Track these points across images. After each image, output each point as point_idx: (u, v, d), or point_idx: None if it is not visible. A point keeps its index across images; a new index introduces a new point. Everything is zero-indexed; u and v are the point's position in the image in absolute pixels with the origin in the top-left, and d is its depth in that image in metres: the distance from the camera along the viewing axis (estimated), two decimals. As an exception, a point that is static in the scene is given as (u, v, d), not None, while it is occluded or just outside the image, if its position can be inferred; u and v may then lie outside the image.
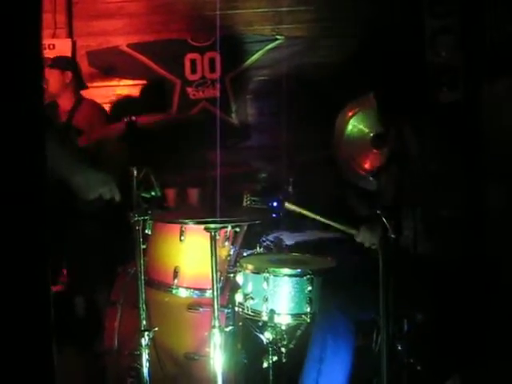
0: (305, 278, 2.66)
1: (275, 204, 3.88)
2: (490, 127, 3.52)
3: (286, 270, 2.70)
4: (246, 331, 3.03)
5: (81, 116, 4.04)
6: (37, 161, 0.99)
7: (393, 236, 2.19)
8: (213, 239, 2.48)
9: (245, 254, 3.22)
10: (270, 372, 2.77)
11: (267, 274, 2.67)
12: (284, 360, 2.79)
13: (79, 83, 4.20)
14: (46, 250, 1.03)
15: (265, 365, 2.80)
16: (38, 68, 1.03)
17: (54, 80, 4.05)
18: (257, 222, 2.92)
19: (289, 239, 3.36)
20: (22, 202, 0.99)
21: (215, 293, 2.52)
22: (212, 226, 2.46)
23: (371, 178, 2.59)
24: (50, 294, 1.06)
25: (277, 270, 2.69)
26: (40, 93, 1.11)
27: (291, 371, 2.79)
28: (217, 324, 2.52)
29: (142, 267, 2.62)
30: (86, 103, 4.16)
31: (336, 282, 2.69)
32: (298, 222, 3.58)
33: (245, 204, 3.90)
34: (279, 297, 2.67)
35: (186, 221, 2.68)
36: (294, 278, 2.67)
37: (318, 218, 3.00)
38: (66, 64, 4.15)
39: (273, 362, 2.77)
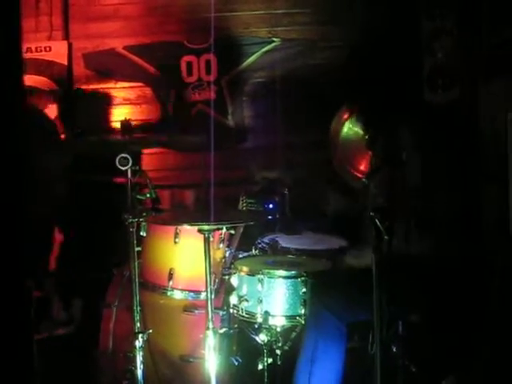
0: (299, 279, 2.67)
1: (271, 206, 3.89)
2: (485, 128, 3.52)
3: (281, 272, 2.70)
4: (241, 333, 3.03)
5: None
6: (17, 164, 0.98)
7: (386, 238, 2.18)
8: (206, 241, 2.48)
9: (240, 256, 3.22)
10: (265, 374, 2.77)
11: (261, 276, 2.67)
12: (279, 362, 2.79)
13: None
14: (23, 252, 1.02)
15: (259, 367, 2.80)
16: (18, 68, 1.02)
17: None
18: (250, 223, 2.92)
19: (284, 241, 3.36)
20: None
21: (209, 295, 2.52)
22: (205, 227, 2.46)
23: (364, 180, 2.58)
24: (28, 296, 1.06)
25: (271, 271, 2.70)
26: (21, 94, 1.10)
27: (286, 373, 2.79)
28: (211, 326, 2.52)
29: (136, 269, 2.61)
30: None
31: (327, 284, 2.68)
32: (293, 224, 3.58)
33: (241, 206, 3.91)
34: (274, 298, 2.67)
35: (180, 223, 2.68)
36: (289, 280, 2.68)
37: None
38: None
39: (268, 364, 2.78)
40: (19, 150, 1.02)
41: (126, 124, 2.74)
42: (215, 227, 2.56)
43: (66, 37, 4.75)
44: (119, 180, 2.96)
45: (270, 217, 3.72)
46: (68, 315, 3.91)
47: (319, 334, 2.59)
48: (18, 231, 1.04)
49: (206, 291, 2.53)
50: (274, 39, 4.59)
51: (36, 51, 4.71)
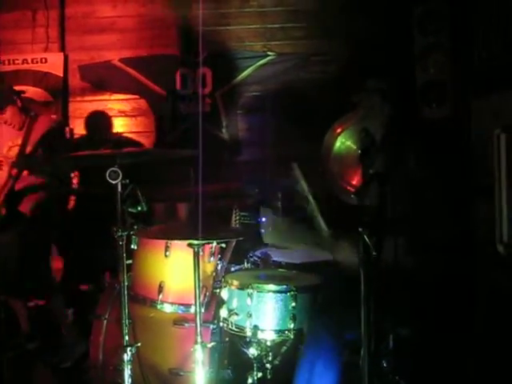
0: (288, 294, 2.66)
1: (264, 219, 3.88)
2: (476, 144, 3.53)
3: (270, 286, 2.70)
4: (233, 347, 3.02)
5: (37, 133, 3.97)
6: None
7: (374, 253, 2.18)
8: (196, 255, 2.48)
9: (232, 270, 3.22)
10: (255, 388, 2.76)
11: (251, 290, 2.67)
12: (269, 376, 2.78)
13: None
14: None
15: (249, 381, 2.79)
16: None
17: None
18: (240, 238, 2.92)
19: (276, 255, 3.36)
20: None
21: (198, 309, 2.52)
22: (195, 241, 2.46)
23: (353, 196, 2.59)
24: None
25: (260, 285, 2.69)
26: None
27: (276, 388, 2.78)
28: (199, 340, 2.52)
29: (126, 282, 2.61)
30: (42, 120, 4.06)
31: (323, 303, 2.68)
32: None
33: (234, 219, 3.90)
34: (263, 313, 2.67)
35: (169, 237, 2.68)
36: (278, 294, 2.67)
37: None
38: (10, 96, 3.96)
39: (258, 379, 2.77)
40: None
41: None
42: (204, 242, 2.56)
43: (63, 49, 4.79)
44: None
45: (262, 230, 3.71)
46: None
47: (318, 353, 2.57)
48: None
49: (195, 305, 2.53)
50: (269, 53, 4.62)
51: (32, 62, 4.75)
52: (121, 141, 4.59)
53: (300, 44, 4.60)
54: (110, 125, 4.76)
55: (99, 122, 4.74)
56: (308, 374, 2.57)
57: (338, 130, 2.93)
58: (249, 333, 2.68)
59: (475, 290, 2.85)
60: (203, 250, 2.66)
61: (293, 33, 4.60)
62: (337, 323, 2.61)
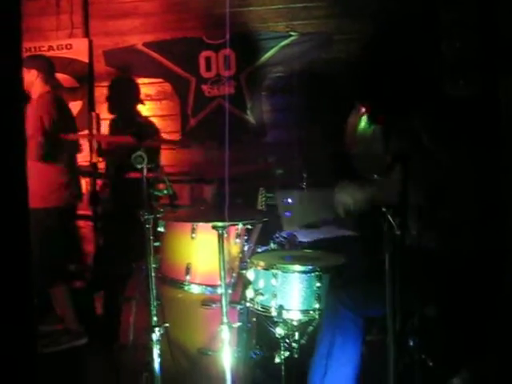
0: (313, 274, 2.68)
1: (289, 200, 3.90)
2: (506, 122, 3.49)
3: (295, 267, 2.72)
4: (260, 327, 3.06)
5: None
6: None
7: (398, 233, 2.18)
8: (220, 237, 2.51)
9: (259, 251, 3.25)
10: (282, 367, 2.80)
11: (276, 271, 2.70)
12: (296, 355, 2.81)
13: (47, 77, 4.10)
14: (28, 253, 1.04)
15: (277, 360, 2.82)
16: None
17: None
18: (265, 220, 2.95)
19: (303, 236, 3.38)
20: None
21: (223, 290, 2.55)
22: (219, 224, 2.49)
23: (376, 177, 2.59)
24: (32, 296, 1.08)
25: (285, 266, 2.72)
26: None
27: (303, 367, 2.81)
28: (225, 320, 2.56)
29: (153, 264, 2.65)
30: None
31: (344, 279, 2.69)
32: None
33: (260, 201, 3.92)
34: (288, 293, 2.70)
35: (194, 220, 2.71)
36: (303, 275, 2.69)
37: None
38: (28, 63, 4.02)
39: (285, 358, 2.80)
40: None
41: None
42: (229, 224, 2.59)
43: (87, 34, 4.82)
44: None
45: (287, 212, 3.72)
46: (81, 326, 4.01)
47: (336, 329, 2.59)
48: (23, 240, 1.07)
49: (221, 286, 2.56)
50: (292, 33, 4.59)
51: (58, 49, 4.79)
52: (145, 125, 4.64)
53: (323, 23, 4.55)
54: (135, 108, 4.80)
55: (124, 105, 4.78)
56: (328, 347, 2.58)
57: (363, 110, 2.92)
58: (274, 313, 2.71)
59: (503, 267, 2.82)
60: (228, 232, 2.69)
61: (315, 12, 4.54)
62: (360, 300, 2.61)
